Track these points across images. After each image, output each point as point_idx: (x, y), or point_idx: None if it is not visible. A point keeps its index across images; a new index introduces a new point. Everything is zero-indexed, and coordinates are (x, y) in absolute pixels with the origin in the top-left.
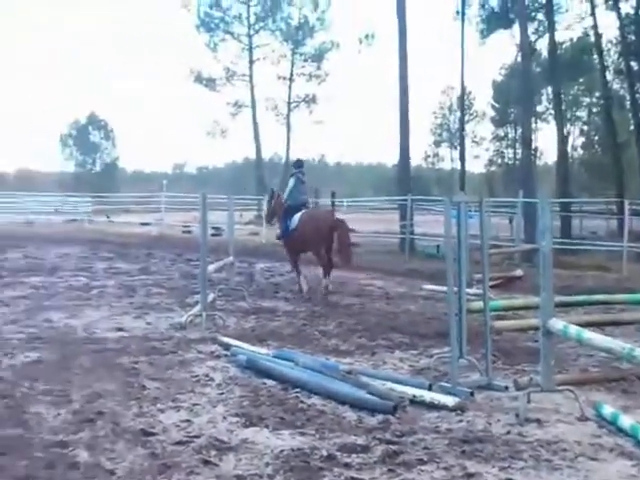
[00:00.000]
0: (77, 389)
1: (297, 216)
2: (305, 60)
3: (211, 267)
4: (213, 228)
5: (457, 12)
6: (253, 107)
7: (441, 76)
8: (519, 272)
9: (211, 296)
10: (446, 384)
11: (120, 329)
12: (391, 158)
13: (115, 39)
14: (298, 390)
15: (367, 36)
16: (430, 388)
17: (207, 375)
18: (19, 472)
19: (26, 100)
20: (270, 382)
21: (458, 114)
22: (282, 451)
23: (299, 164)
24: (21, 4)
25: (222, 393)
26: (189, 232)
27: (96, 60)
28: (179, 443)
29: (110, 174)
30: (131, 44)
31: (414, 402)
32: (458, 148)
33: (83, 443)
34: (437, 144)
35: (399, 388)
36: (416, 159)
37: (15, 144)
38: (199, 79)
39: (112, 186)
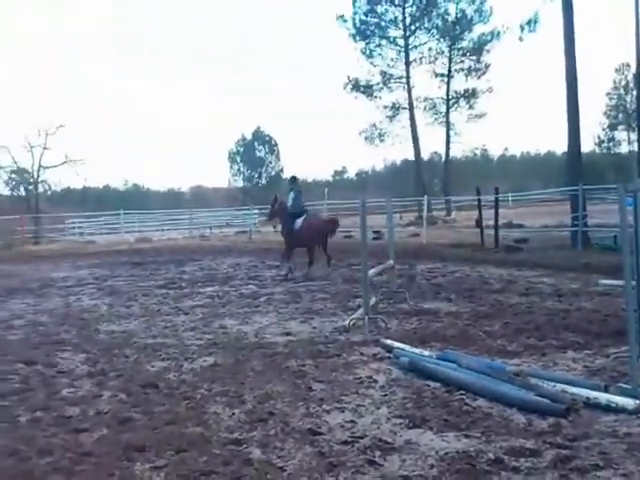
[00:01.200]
0: (250, 391)
1: (300, 220)
2: (464, 55)
3: (372, 271)
4: (373, 232)
5: None
6: (411, 108)
7: (614, 53)
8: None
9: (373, 299)
10: (625, 385)
11: (288, 334)
12: (561, 145)
13: (273, 55)
14: (462, 392)
15: (530, 22)
16: (607, 390)
17: (370, 377)
18: (200, 467)
19: (197, 120)
20: (433, 384)
21: (635, 93)
22: (447, 453)
23: (294, 180)
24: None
25: (385, 395)
26: (350, 237)
27: (258, 76)
28: (345, 443)
29: (275, 186)
30: (287, 58)
31: (588, 405)
32: (636, 130)
33: (256, 441)
34: (612, 127)
35: (572, 390)
36: (588, 145)
37: (188, 163)
38: (357, 87)
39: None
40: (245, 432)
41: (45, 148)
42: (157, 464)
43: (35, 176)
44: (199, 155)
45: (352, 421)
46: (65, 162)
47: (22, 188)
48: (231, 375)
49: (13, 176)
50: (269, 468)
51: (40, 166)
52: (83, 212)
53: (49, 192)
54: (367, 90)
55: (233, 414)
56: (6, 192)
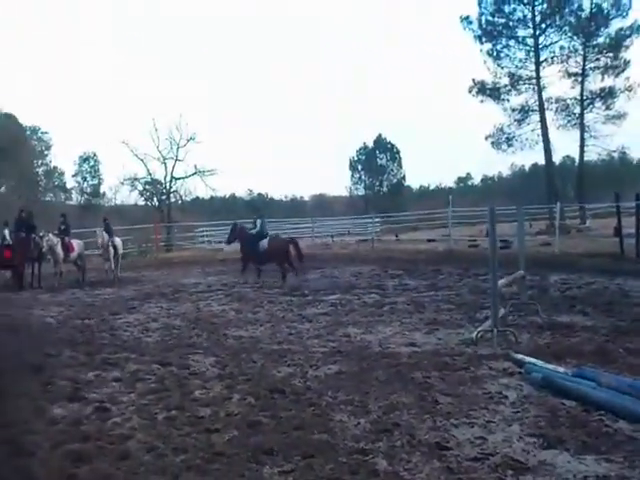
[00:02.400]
0: (374, 400)
1: (264, 242)
2: (599, 52)
3: (501, 281)
4: (501, 241)
5: None
6: (541, 110)
7: None
8: None
9: (502, 311)
10: None
11: (412, 344)
12: None
13: (393, 60)
14: (602, 412)
15: None
16: None
17: (500, 392)
18: (327, 474)
19: (317, 128)
20: (569, 403)
21: None
22: (586, 477)
23: (259, 210)
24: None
25: (517, 412)
26: (476, 246)
27: (379, 82)
28: (474, 459)
29: (396, 194)
30: (408, 63)
31: None
32: None
33: (382, 452)
34: None
35: None
36: None
37: (309, 172)
38: (483, 90)
39: (399, 205)
40: (370, 442)
41: (177, 160)
42: (285, 468)
43: (167, 187)
44: (320, 164)
45: (482, 437)
46: (195, 173)
47: (155, 199)
48: (355, 384)
49: (147, 187)
50: None
51: (172, 177)
52: (211, 221)
53: (180, 202)
54: (494, 93)
55: (358, 423)
56: (141, 202)
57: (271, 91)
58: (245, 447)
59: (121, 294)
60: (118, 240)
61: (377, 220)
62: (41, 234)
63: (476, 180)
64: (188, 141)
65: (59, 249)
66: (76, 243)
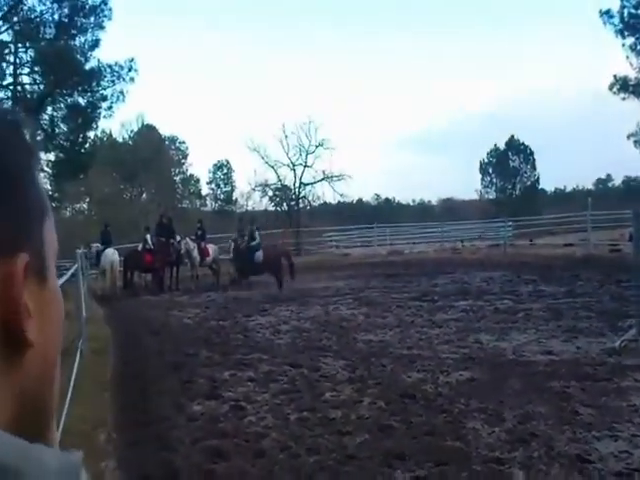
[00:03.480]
0: (509, 409)
1: (259, 253)
2: None
3: None
4: None
5: None
6: None
7: None
8: None
9: None
10: None
11: (549, 352)
12: None
13: (526, 59)
14: None
15: None
16: None
17: None
18: None
19: (445, 131)
20: None
21: None
22: None
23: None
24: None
25: None
26: (618, 251)
27: (509, 82)
28: (619, 474)
29: (530, 197)
30: (542, 62)
31: None
32: None
33: (519, 462)
34: None
35: None
36: None
37: (437, 176)
38: (625, 87)
39: (532, 209)
40: (506, 451)
41: (306, 166)
42: (417, 474)
43: (296, 192)
44: (449, 167)
45: (626, 451)
46: (323, 179)
47: (285, 204)
48: (489, 391)
49: (277, 193)
50: None
51: (301, 183)
52: (338, 225)
53: (308, 207)
54: (638, 89)
55: (493, 432)
56: (271, 208)
57: (396, 91)
58: (377, 451)
59: (253, 297)
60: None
61: (509, 224)
62: (179, 239)
63: (617, 182)
64: (317, 147)
65: (196, 253)
66: (211, 248)
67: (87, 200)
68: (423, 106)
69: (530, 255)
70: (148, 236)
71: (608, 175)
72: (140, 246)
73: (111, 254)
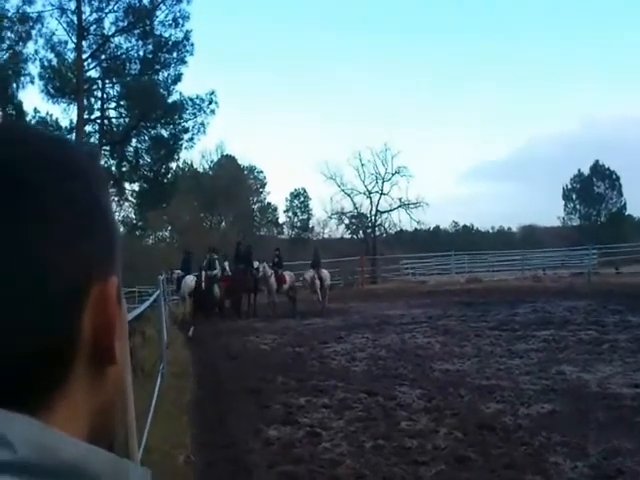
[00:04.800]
0: (593, 444)
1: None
2: None
3: None
4: None
5: None
6: None
7: None
8: None
9: None
10: None
11: (636, 386)
12: None
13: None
14: None
15: None
16: None
17: None
18: None
19: (524, 155)
20: None
21: None
22: None
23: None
24: None
25: None
26: None
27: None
28: None
29: (616, 223)
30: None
31: None
32: None
33: None
34: None
35: None
36: None
37: (517, 202)
38: None
39: (619, 236)
40: None
41: (382, 194)
42: None
43: (372, 220)
44: (529, 193)
45: None
46: (400, 206)
47: (361, 231)
48: (572, 425)
49: (353, 221)
50: None
51: (377, 210)
52: (415, 253)
53: (385, 234)
54: None
55: (576, 466)
56: (347, 235)
57: (475, 116)
58: None
59: (329, 324)
60: (325, 272)
61: (594, 252)
62: (256, 266)
63: None
64: (393, 175)
65: (272, 280)
66: (288, 275)
67: (169, 228)
68: (503, 130)
69: (616, 284)
70: (226, 263)
71: None
72: (218, 272)
73: (191, 280)
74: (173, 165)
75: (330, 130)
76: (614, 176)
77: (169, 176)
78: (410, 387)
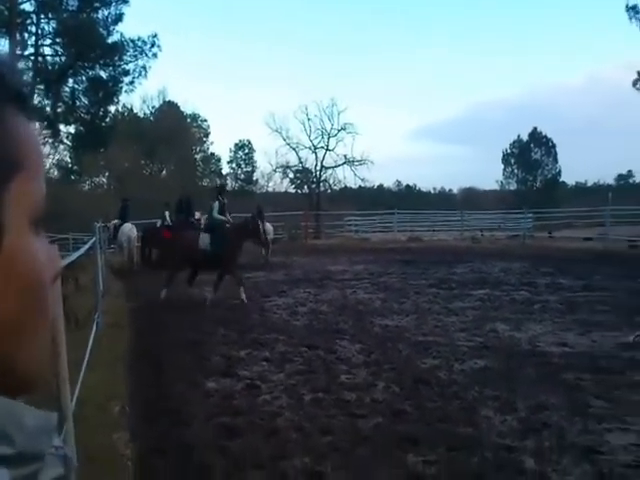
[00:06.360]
0: (522, 399)
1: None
2: None
3: None
4: None
5: None
6: None
7: None
8: None
9: None
10: None
11: (564, 344)
12: None
13: (548, 51)
14: None
15: None
16: None
17: None
18: (471, 468)
19: (466, 120)
20: None
21: None
22: None
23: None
24: None
25: None
26: (636, 247)
27: (532, 75)
28: (628, 466)
29: (551, 189)
30: (564, 55)
31: None
32: None
33: (529, 451)
34: None
35: None
36: None
37: (459, 165)
38: None
39: (552, 201)
40: (517, 440)
41: (327, 149)
42: (429, 458)
43: (317, 176)
44: (471, 157)
45: (637, 445)
46: (345, 163)
47: (305, 186)
48: (503, 380)
49: (298, 175)
50: None
51: (322, 166)
52: (359, 210)
53: (329, 191)
54: None
55: (505, 420)
56: (291, 190)
57: (421, 79)
58: (390, 434)
59: (271, 278)
60: (269, 226)
61: (529, 216)
62: (198, 216)
63: (638, 178)
64: (339, 131)
65: None
66: None
67: (106, 174)
68: (448, 94)
69: (549, 248)
70: (167, 213)
71: (629, 171)
72: (159, 222)
73: (128, 229)
74: (112, 108)
75: (277, 82)
76: (550, 143)
77: (107, 120)
78: (350, 342)
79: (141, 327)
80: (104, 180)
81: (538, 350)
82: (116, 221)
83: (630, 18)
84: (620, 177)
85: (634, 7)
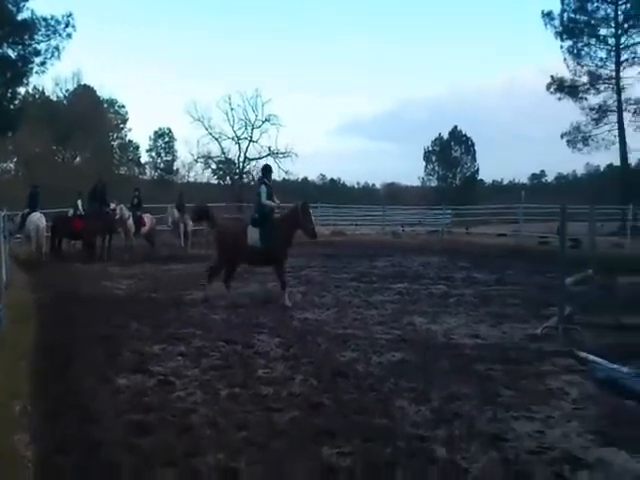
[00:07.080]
0: (436, 390)
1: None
2: None
3: (569, 279)
4: (571, 240)
5: None
6: (619, 111)
7: None
8: None
9: (568, 309)
10: None
11: (476, 336)
12: None
13: (470, 54)
14: None
15: None
16: None
17: (562, 389)
18: (384, 458)
19: (391, 118)
20: (631, 402)
21: None
22: None
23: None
24: None
25: (577, 408)
26: (546, 243)
27: (454, 75)
28: (532, 452)
29: (469, 187)
30: (485, 57)
31: None
32: None
33: (440, 440)
34: None
35: None
36: None
37: (383, 160)
38: (561, 87)
39: (471, 198)
40: (430, 430)
41: (251, 141)
42: (344, 450)
43: (240, 166)
44: (394, 153)
45: (541, 431)
46: (269, 155)
47: (228, 177)
48: (418, 372)
49: (221, 166)
50: (453, 468)
51: (246, 157)
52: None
53: (252, 182)
54: (572, 91)
55: (419, 410)
56: (214, 181)
57: (348, 74)
58: (306, 427)
59: (190, 270)
60: (188, 217)
61: (448, 212)
62: (113, 206)
63: (550, 178)
64: (264, 122)
65: (131, 222)
66: (148, 218)
67: (14, 159)
68: (374, 91)
69: (465, 243)
70: (79, 202)
71: (542, 171)
72: (70, 211)
73: (37, 218)
74: (21, 90)
75: (200, 70)
76: (470, 142)
77: (16, 102)
78: (269, 335)
79: (48, 321)
80: (11, 166)
81: (452, 342)
82: (26, 210)
83: (545, 24)
84: (534, 176)
85: (549, 14)
